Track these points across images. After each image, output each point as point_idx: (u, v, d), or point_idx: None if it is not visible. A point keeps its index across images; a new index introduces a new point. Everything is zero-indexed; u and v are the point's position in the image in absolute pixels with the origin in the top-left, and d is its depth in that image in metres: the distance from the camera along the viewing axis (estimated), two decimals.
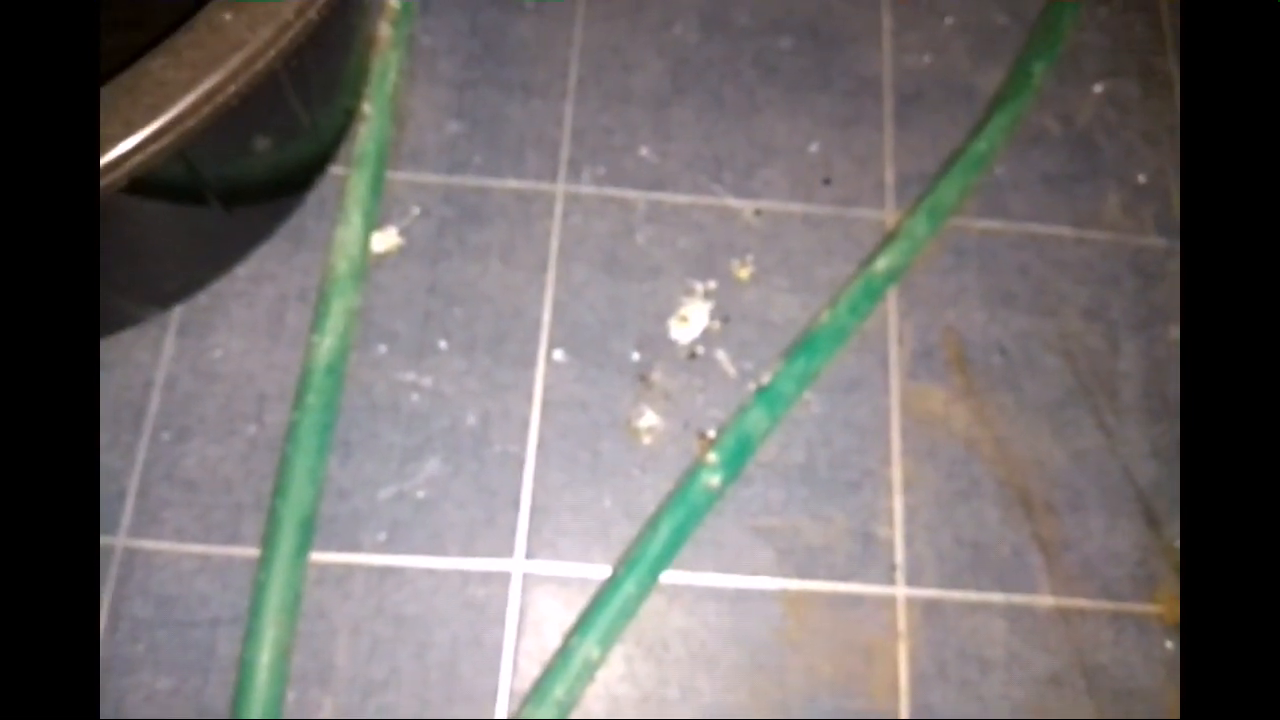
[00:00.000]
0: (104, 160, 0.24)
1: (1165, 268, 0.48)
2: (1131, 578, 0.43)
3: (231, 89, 0.25)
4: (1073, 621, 0.42)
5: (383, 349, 0.43)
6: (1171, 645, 0.42)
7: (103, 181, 0.25)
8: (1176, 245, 0.49)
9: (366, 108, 0.45)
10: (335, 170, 0.45)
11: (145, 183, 0.28)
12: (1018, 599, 0.42)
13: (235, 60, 0.24)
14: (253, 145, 0.37)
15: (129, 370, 0.42)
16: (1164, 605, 0.43)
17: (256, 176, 0.40)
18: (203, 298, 0.43)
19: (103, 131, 0.24)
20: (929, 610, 0.41)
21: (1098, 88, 0.52)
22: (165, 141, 0.24)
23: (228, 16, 0.25)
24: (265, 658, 0.38)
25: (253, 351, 0.43)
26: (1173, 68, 0.53)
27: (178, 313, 0.42)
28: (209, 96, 0.24)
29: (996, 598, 0.42)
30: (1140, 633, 0.42)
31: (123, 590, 0.39)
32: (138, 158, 0.24)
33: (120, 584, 0.39)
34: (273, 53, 0.25)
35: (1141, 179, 0.50)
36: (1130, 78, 0.53)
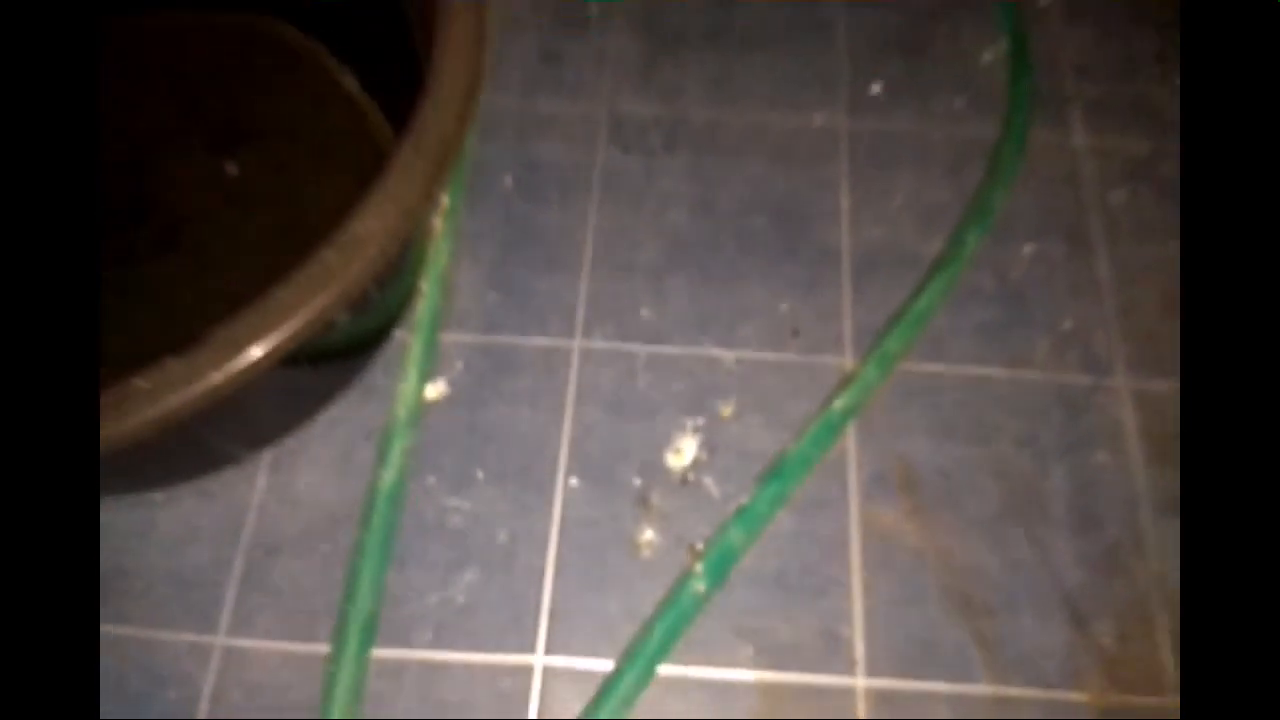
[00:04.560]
0: (237, 368, 0.34)
1: (1089, 400, 0.57)
2: (1060, 669, 0.49)
3: (334, 307, 0.35)
4: (1008, 707, 0.48)
5: (432, 479, 0.53)
6: None
7: (223, 378, 0.35)
8: (1099, 381, 0.57)
9: (423, 285, 0.57)
10: (398, 334, 0.56)
11: None
12: (961, 688, 0.49)
13: (334, 289, 0.35)
14: (336, 323, 0.48)
15: (230, 500, 0.52)
16: (1090, 693, 0.49)
17: (337, 343, 0.51)
18: (290, 441, 0.53)
19: (240, 344, 0.34)
20: (884, 698, 0.48)
21: (1027, 249, 0.62)
22: (288, 346, 0.35)
23: (332, 255, 0.36)
24: None
25: (328, 483, 0.52)
26: (1094, 228, 0.63)
27: (269, 453, 0.53)
28: (319, 316, 0.35)
29: (942, 687, 0.49)
30: (1069, 716, 0.49)
31: (222, 681, 0.48)
32: (261, 365, 0.35)
33: (220, 676, 0.48)
34: (365, 278, 0.36)
35: (1067, 325, 0.59)
36: (1056, 238, 0.62)
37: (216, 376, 0.34)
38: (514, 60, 0.66)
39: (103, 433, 0.34)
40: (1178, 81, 0.69)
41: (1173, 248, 0.62)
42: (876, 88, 0.66)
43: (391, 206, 0.37)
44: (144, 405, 0.34)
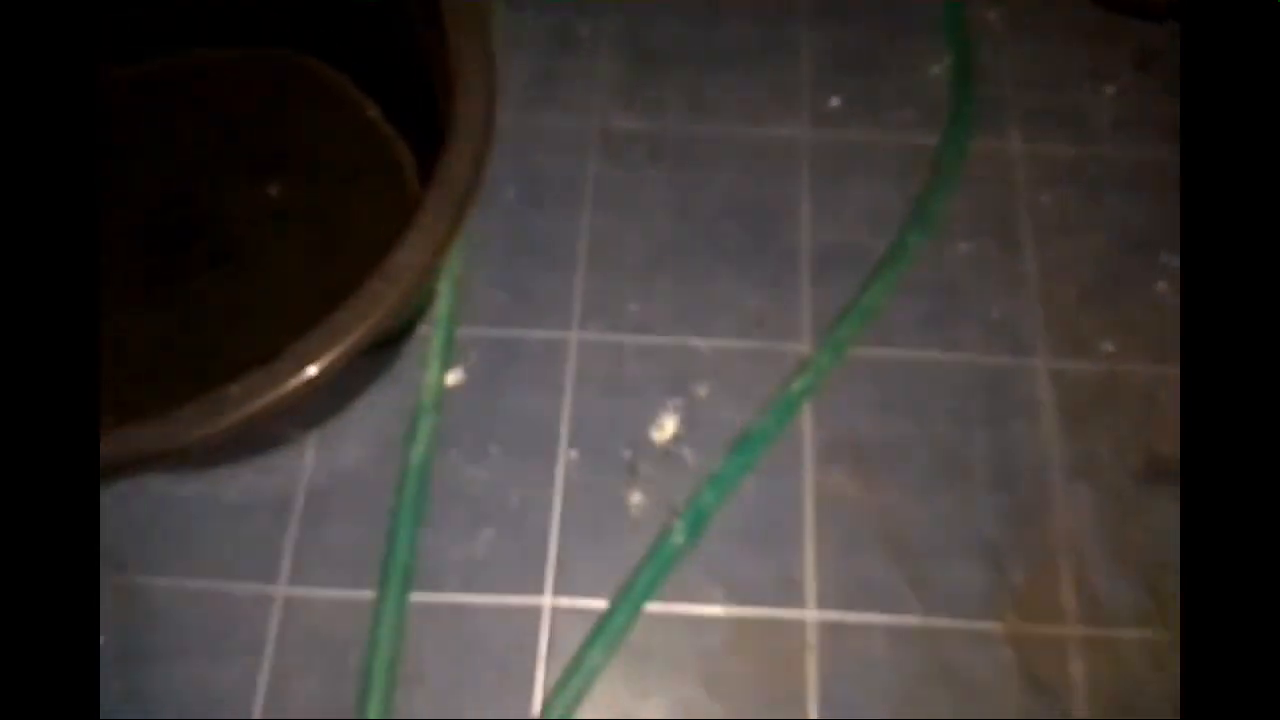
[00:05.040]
0: (307, 376, 0.43)
1: (1012, 379, 0.66)
2: (979, 604, 0.59)
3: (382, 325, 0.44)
4: (935, 637, 0.58)
5: (454, 453, 0.62)
6: (1009, 653, 0.59)
7: (296, 385, 0.44)
8: (1021, 362, 0.67)
9: (441, 287, 0.66)
10: (422, 330, 0.65)
11: None
12: (895, 619, 0.58)
13: (382, 311, 0.45)
14: None
15: (283, 474, 0.61)
16: (1003, 624, 0.59)
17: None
18: (333, 423, 0.62)
19: (310, 357, 0.44)
20: (831, 629, 0.58)
21: (964, 246, 0.70)
22: (348, 358, 0.44)
23: (379, 284, 0.45)
24: (380, 666, 0.56)
25: (366, 457, 0.62)
26: (1023, 228, 0.72)
27: (316, 434, 0.62)
28: (371, 332, 0.44)
29: (880, 619, 0.58)
30: (985, 644, 0.58)
31: (284, 623, 0.58)
32: (326, 374, 0.44)
33: (282, 619, 0.58)
34: (406, 301, 0.45)
35: (996, 314, 0.68)
36: (990, 237, 0.71)
37: (291, 384, 0.43)
38: (513, 80, 0.74)
39: (200, 431, 0.43)
40: (1109, 90, 0.78)
41: (1092, 243, 0.71)
42: (835, 101, 0.75)
43: (425, 243, 0.46)
44: (234, 407, 0.43)
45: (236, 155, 0.65)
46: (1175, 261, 0.71)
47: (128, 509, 0.59)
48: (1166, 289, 0.69)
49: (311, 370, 0.44)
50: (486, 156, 0.48)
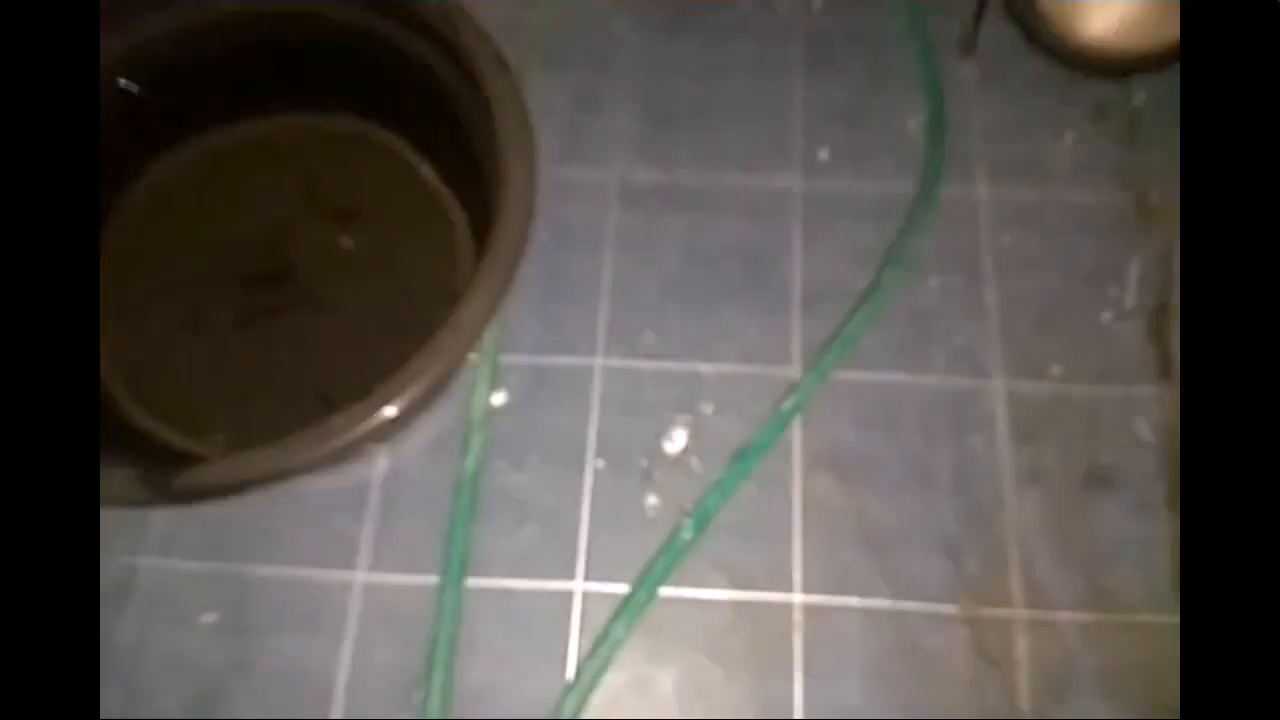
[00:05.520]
0: (396, 410, 0.55)
1: (971, 398, 0.77)
2: (939, 589, 0.69)
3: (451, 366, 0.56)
4: (902, 617, 0.69)
5: (500, 463, 0.73)
6: (964, 631, 0.70)
7: (387, 415, 0.56)
8: (980, 384, 0.78)
9: None
10: (471, 358, 0.77)
11: None
12: (868, 603, 0.69)
13: (450, 356, 0.56)
14: None
15: (359, 479, 0.72)
16: (960, 608, 0.70)
17: None
18: (401, 436, 0.74)
19: (397, 394, 0.55)
20: (814, 610, 0.68)
21: (933, 282, 0.81)
22: (424, 393, 0.56)
23: (446, 334, 0.57)
24: (443, 638, 0.68)
25: (428, 467, 0.73)
26: (986, 265, 0.83)
27: (387, 445, 0.74)
28: (444, 373, 0.56)
29: (855, 601, 0.68)
30: (944, 624, 0.68)
31: (364, 604, 0.70)
32: (410, 409, 0.56)
33: (363, 600, 0.70)
34: (468, 347, 0.57)
35: (959, 341, 0.78)
36: (956, 274, 0.81)
37: (384, 413, 0.55)
38: (544, 137, 0.85)
39: (309, 455, 0.56)
40: (1068, 138, 0.88)
41: (1046, 278, 0.82)
42: (824, 154, 0.85)
43: (482, 301, 0.57)
44: (338, 434, 0.55)
45: (316, 209, 0.77)
46: (1120, 293, 0.81)
47: (234, 510, 0.71)
48: (1110, 318, 0.80)
49: (393, 409, 0.56)
50: (529, 230, 0.60)
